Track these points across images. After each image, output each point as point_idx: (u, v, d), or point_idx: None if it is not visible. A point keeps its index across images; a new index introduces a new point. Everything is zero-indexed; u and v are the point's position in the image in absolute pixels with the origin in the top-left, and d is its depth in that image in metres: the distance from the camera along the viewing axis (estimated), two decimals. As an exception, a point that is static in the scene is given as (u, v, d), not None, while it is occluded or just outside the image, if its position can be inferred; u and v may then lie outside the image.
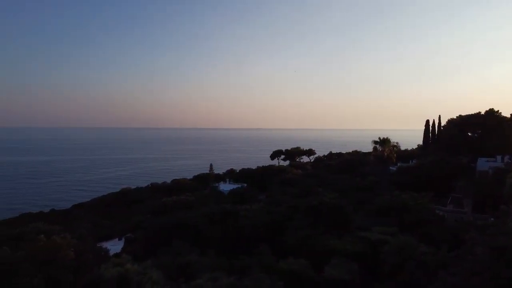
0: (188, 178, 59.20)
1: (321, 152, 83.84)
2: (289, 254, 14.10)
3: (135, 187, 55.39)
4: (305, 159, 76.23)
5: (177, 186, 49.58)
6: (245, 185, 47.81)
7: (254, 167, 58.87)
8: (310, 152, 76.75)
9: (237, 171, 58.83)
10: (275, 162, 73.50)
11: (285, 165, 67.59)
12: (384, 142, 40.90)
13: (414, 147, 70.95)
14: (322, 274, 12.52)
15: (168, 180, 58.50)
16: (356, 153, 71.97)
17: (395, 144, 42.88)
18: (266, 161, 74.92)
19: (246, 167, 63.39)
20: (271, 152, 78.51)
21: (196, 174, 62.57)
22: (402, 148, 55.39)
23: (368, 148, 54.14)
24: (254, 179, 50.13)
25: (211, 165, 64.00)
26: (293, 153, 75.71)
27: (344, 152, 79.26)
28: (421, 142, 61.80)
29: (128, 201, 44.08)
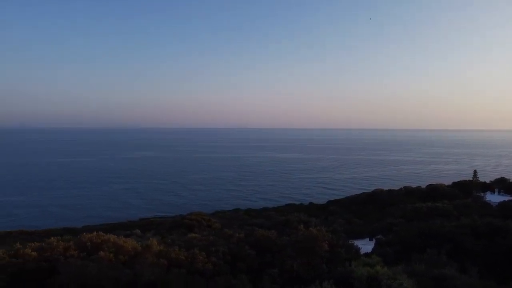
0: (446, 184, 54.00)
1: None
2: None
3: (387, 189, 54.85)
4: None
5: (433, 192, 45.97)
6: (521, 197, 39.57)
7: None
8: None
9: (510, 180, 49.41)
10: None
11: None
12: None
13: None
14: None
15: (422, 185, 55.07)
16: None
17: None
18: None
19: (522, 176, 52.48)
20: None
21: (455, 180, 56.43)
22: None
23: None
24: (535, 192, 40.83)
25: (475, 171, 56.28)
26: None
27: None
28: None
29: (380, 202, 44.00)
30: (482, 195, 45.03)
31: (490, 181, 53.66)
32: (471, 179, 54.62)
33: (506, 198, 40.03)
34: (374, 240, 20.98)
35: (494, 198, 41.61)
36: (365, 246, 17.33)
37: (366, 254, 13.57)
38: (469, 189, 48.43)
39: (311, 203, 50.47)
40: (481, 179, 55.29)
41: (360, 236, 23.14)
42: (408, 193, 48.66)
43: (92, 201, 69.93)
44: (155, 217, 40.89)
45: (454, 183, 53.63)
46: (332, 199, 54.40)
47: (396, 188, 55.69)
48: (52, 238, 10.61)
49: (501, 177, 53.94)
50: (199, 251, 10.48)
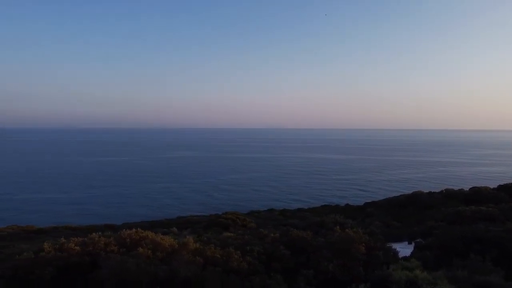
0: (491, 187, 51.42)
1: None
2: None
3: (427, 191, 52.99)
4: None
5: (476, 194, 43.88)
6: None
7: None
8: None
9: (562, 183, 46.38)
10: None
11: None
12: None
13: None
14: None
15: (465, 187, 52.73)
16: None
17: None
18: None
19: None
20: None
21: (501, 183, 53.65)
22: None
23: None
24: None
25: (522, 174, 53.29)
26: None
27: None
28: None
29: (419, 205, 42.58)
30: (530, 199, 42.58)
31: (539, 184, 50.60)
32: (518, 182, 51.79)
33: (558, 202, 37.51)
34: (413, 244, 20.39)
35: (544, 202, 39.21)
36: (404, 249, 16.87)
37: (405, 258, 13.19)
38: (516, 192, 45.92)
39: (347, 205, 49.55)
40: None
41: (399, 239, 22.52)
42: (450, 195, 46.81)
43: (130, 199, 72.19)
44: (191, 216, 41.59)
45: (500, 186, 51.01)
46: (369, 201, 53.16)
47: (436, 190, 53.73)
48: (94, 233, 11.03)
49: (552, 180, 50.84)
50: (234, 250, 10.56)
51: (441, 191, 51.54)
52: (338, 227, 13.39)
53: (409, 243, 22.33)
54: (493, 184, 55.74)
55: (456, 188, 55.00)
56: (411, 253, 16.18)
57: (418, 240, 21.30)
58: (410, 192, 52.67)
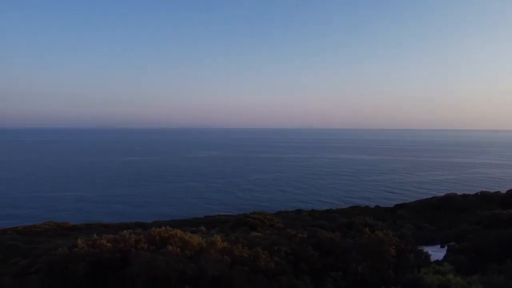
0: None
1: None
2: None
3: (461, 193, 51.29)
4: None
5: (514, 197, 42.08)
6: None
7: None
8: None
9: None
10: None
11: None
12: None
13: None
14: None
15: (501, 190, 50.69)
16: None
17: None
18: None
19: None
20: None
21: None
22: None
23: None
24: None
25: None
26: None
27: None
28: None
29: (453, 207, 41.25)
30: None
31: None
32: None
33: None
34: (446, 247, 19.80)
35: None
36: (436, 253, 16.39)
37: (437, 262, 12.82)
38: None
39: (377, 206, 48.68)
40: None
41: (431, 243, 21.91)
42: (486, 198, 45.10)
43: (157, 199, 73.53)
44: (219, 215, 41.93)
45: (539, 189, 48.74)
46: (399, 202, 51.99)
47: (470, 192, 51.97)
48: (125, 231, 11.29)
49: None
50: (261, 249, 10.56)
51: (476, 194, 49.61)
52: (367, 228, 13.16)
53: (442, 246, 21.65)
54: (532, 187, 53.34)
55: (492, 190, 52.99)
56: (444, 256, 15.68)
57: (451, 243, 20.60)
58: (443, 194, 51.08)
